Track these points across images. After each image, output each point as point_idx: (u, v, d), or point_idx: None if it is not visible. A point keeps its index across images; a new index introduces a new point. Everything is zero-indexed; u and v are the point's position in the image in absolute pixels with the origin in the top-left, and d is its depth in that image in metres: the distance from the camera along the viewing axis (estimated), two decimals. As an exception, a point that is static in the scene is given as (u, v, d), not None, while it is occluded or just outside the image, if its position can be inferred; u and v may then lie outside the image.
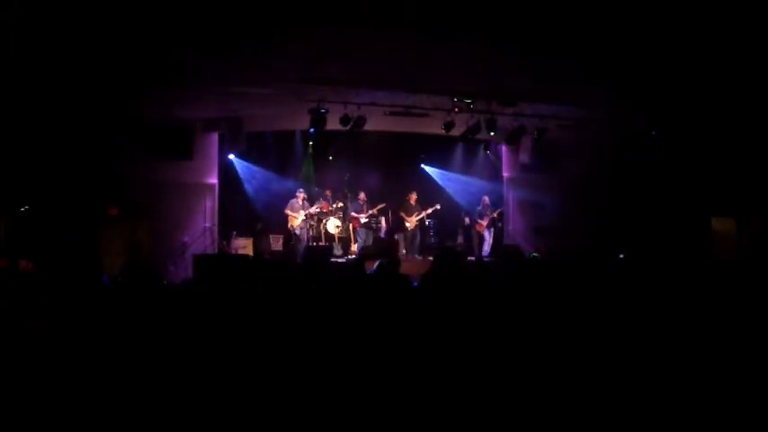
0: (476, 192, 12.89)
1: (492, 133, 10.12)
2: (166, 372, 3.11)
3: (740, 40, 6.29)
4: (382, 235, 12.30)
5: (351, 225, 11.82)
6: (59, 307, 4.05)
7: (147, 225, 9.65)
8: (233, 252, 10.91)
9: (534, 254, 10.24)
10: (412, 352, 3.35)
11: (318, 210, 11.57)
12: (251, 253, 11.10)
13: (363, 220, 11.82)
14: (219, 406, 2.91)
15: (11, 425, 2.77)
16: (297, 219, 11.18)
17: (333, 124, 9.47)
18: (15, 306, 4.20)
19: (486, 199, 12.18)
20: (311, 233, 11.64)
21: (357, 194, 12.17)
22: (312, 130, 9.68)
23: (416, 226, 11.82)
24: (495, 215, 12.12)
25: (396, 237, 12.25)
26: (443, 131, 10.11)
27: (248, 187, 12.49)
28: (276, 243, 11.84)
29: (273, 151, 12.43)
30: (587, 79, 8.15)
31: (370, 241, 11.82)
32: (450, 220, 13.05)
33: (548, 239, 11.66)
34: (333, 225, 11.75)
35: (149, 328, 3.57)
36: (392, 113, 9.81)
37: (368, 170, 13.05)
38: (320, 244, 11.59)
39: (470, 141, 11.92)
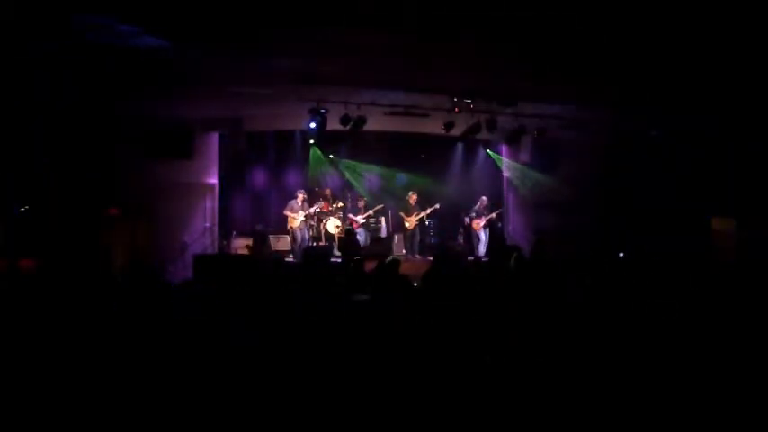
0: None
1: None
2: (167, 372, 3.11)
3: (739, 41, 6.29)
4: (382, 235, 12.33)
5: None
6: (59, 307, 4.05)
7: (147, 225, 9.65)
8: (233, 252, 10.91)
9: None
10: (412, 352, 3.35)
11: (318, 210, 11.57)
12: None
13: (361, 220, 11.85)
14: (220, 406, 2.91)
15: (11, 425, 2.77)
16: (296, 220, 11.18)
17: (333, 124, 9.47)
18: (15, 306, 4.20)
19: (485, 199, 12.16)
20: (311, 233, 11.64)
21: (356, 199, 12.22)
22: (312, 125, 9.62)
23: (416, 226, 11.80)
24: (494, 216, 12.10)
25: (396, 237, 12.27)
26: (443, 131, 10.12)
27: (249, 187, 12.54)
28: (276, 243, 11.85)
29: (273, 151, 12.43)
30: (587, 80, 8.16)
31: (369, 242, 11.86)
32: (450, 220, 13.05)
33: (547, 240, 11.66)
34: (333, 225, 11.76)
35: (150, 327, 3.57)
36: (392, 113, 9.81)
37: (369, 168, 13.10)
38: (320, 244, 11.60)
39: (470, 141, 11.95)
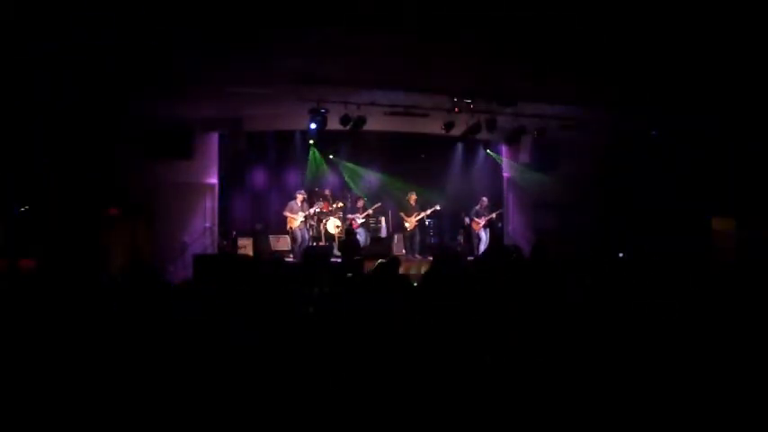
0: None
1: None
2: (167, 372, 3.11)
3: (739, 41, 6.29)
4: (382, 235, 12.33)
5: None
6: (60, 307, 4.05)
7: (147, 225, 9.65)
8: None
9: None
10: (412, 351, 3.35)
11: (318, 210, 11.58)
12: (251, 253, 11.11)
13: (360, 220, 11.85)
14: (220, 406, 2.91)
15: (11, 425, 2.77)
16: (296, 220, 11.18)
17: (333, 124, 9.47)
18: (16, 306, 4.20)
19: (485, 199, 12.17)
20: (311, 233, 11.65)
21: (356, 200, 12.22)
22: (313, 126, 9.66)
23: (416, 226, 11.80)
24: (494, 216, 12.11)
25: (396, 237, 12.27)
26: (443, 131, 10.12)
27: (249, 187, 12.55)
28: (276, 243, 11.86)
29: (274, 151, 12.44)
30: (587, 80, 8.16)
31: (369, 242, 11.86)
32: (450, 220, 13.06)
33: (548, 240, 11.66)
34: (333, 225, 11.76)
35: (150, 328, 3.57)
36: (392, 113, 9.81)
37: (368, 170, 13.11)
38: (320, 244, 11.60)
39: (470, 141, 11.95)
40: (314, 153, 12.60)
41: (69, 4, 5.27)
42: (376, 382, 3.10)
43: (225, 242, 11.07)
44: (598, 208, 11.68)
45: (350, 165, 13.07)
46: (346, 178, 13.13)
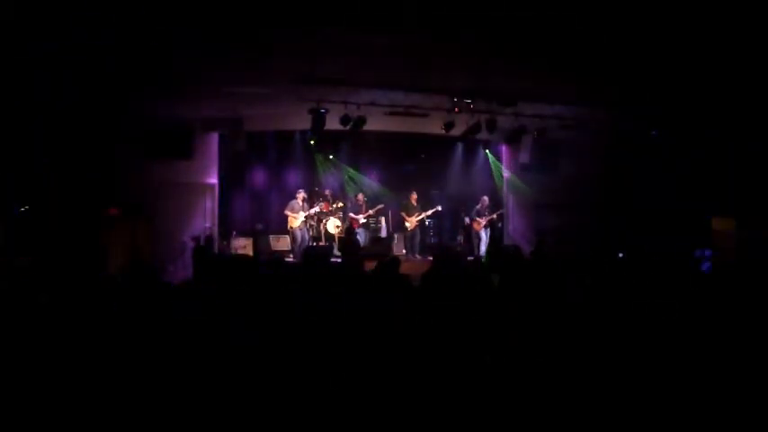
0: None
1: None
2: (167, 372, 3.11)
3: (739, 40, 6.29)
4: (382, 235, 12.33)
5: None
6: (60, 307, 4.05)
7: (146, 225, 9.65)
8: (233, 252, 10.91)
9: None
10: (412, 351, 3.35)
11: (319, 210, 11.58)
12: (251, 253, 11.11)
13: (362, 220, 11.85)
14: (220, 406, 2.91)
15: (11, 425, 2.77)
16: (296, 219, 11.18)
17: (333, 124, 9.47)
18: (15, 306, 4.20)
19: (486, 199, 12.17)
20: (311, 233, 11.65)
21: (356, 196, 12.23)
22: (310, 132, 9.72)
23: (416, 226, 11.81)
24: (495, 216, 12.10)
25: (396, 237, 12.27)
26: (443, 131, 10.12)
27: (249, 187, 12.56)
28: (276, 243, 11.85)
29: (274, 151, 12.45)
30: (587, 80, 8.16)
31: (369, 242, 11.87)
32: (450, 220, 13.06)
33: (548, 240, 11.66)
34: (333, 225, 11.76)
35: (150, 328, 3.57)
36: (392, 113, 9.81)
37: (368, 170, 13.11)
38: (320, 244, 11.60)
39: (470, 141, 11.96)
40: (318, 157, 12.64)
41: (69, 4, 5.27)
42: (376, 382, 3.10)
43: (225, 242, 11.04)
44: (598, 208, 11.68)
45: (350, 169, 13.06)
46: (345, 182, 13.13)
